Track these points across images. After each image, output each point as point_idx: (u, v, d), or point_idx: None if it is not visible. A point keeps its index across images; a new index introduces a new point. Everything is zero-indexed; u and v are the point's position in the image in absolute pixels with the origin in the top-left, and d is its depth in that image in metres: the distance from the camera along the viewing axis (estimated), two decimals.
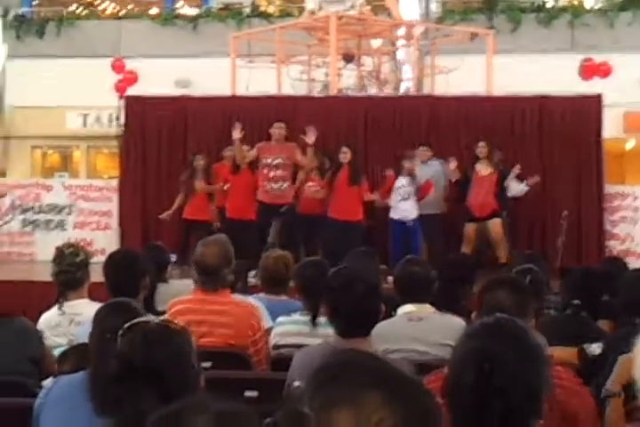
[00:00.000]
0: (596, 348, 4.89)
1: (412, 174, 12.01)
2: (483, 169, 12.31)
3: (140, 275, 5.13)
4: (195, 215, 12.54)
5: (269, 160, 11.88)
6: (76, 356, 3.88)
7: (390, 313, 5.04)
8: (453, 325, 4.99)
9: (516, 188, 12.29)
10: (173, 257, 8.21)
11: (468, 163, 12.57)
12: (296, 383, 4.01)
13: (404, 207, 12.00)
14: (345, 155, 11.96)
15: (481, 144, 12.37)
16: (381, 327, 4.25)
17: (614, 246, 13.30)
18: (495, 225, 12.24)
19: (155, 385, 2.66)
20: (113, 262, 5.28)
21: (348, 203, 11.82)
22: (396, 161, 12.32)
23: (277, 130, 12.04)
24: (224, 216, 12.47)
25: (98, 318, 3.65)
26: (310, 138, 11.74)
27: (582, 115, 13.32)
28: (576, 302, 5.61)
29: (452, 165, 12.34)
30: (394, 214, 12.06)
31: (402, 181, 12.01)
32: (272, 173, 11.86)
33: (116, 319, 3.29)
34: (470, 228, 12.34)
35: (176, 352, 2.79)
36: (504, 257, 12.03)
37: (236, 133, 11.81)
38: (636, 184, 16.17)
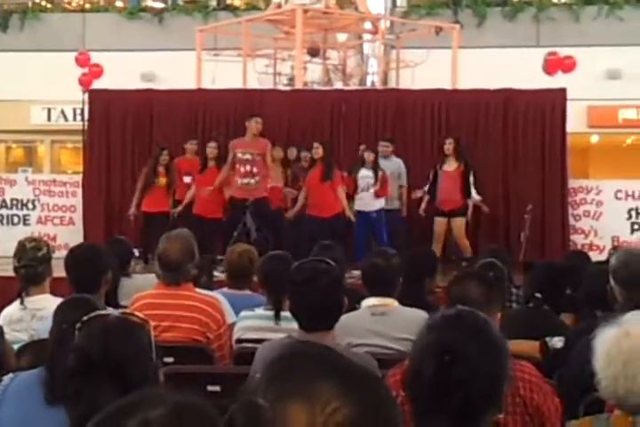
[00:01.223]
0: (557, 341, 4.91)
1: (374, 167, 12.05)
2: (449, 165, 12.35)
3: (102, 269, 5.09)
4: (154, 208, 12.50)
5: (240, 155, 11.87)
6: (34, 351, 3.85)
7: (354, 306, 5.04)
8: (416, 319, 4.98)
9: (473, 195, 12.41)
10: (136, 252, 8.18)
11: (436, 159, 12.61)
12: (257, 376, 4.00)
13: (363, 198, 12.01)
14: (317, 150, 11.93)
15: (448, 141, 12.42)
16: (344, 321, 4.23)
17: (578, 240, 13.38)
18: (458, 223, 12.32)
19: (113, 379, 2.65)
20: (74, 257, 5.23)
21: (320, 199, 11.80)
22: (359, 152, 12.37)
23: (253, 124, 11.97)
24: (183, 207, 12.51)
25: (57, 313, 3.62)
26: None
27: (547, 109, 13.38)
28: (538, 295, 5.63)
29: (419, 193, 12.44)
30: (357, 206, 12.08)
31: (364, 173, 12.03)
32: (243, 169, 11.85)
33: (74, 314, 3.26)
34: (439, 223, 12.39)
35: (135, 345, 2.77)
36: (468, 253, 12.11)
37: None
38: (599, 178, 16.26)
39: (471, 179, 12.33)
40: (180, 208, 12.40)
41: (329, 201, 11.79)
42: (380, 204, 12.08)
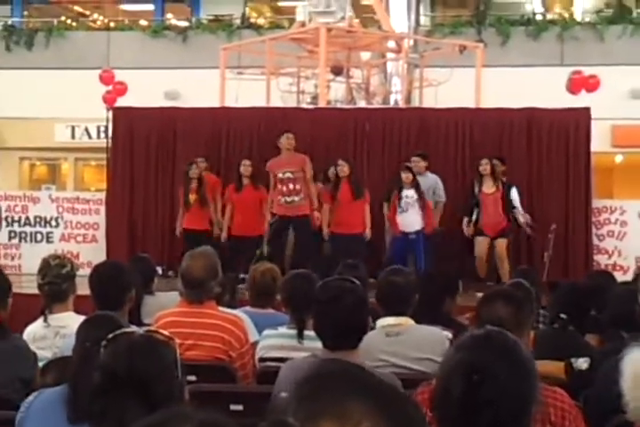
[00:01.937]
0: (582, 362, 4.87)
1: (415, 186, 11.98)
2: (487, 187, 12.21)
3: (126, 287, 5.09)
4: (190, 225, 12.55)
5: (280, 174, 11.93)
6: (57, 369, 3.84)
7: (371, 325, 5.01)
8: (433, 337, 4.96)
9: (518, 217, 12.34)
10: (160, 269, 8.20)
11: (461, 178, 12.57)
12: (282, 395, 3.98)
13: (402, 219, 11.98)
14: (342, 168, 11.95)
15: (483, 161, 12.23)
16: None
17: (601, 261, 13.28)
18: (501, 244, 12.23)
19: (138, 396, 2.63)
20: (98, 274, 5.23)
21: (352, 217, 11.86)
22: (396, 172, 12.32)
23: (287, 140, 12.01)
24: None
25: (80, 331, 3.62)
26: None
27: (571, 128, 13.31)
28: (563, 316, 5.59)
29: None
30: (400, 226, 12.03)
31: (404, 193, 11.98)
32: (285, 188, 11.92)
33: (98, 332, 3.25)
34: (481, 242, 12.25)
35: (160, 363, 2.76)
36: (507, 275, 11.88)
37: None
38: (623, 198, 16.18)
39: (516, 197, 12.23)
40: (224, 233, 12.45)
41: (357, 219, 11.88)
42: (419, 225, 12.02)
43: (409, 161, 12.54)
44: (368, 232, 11.87)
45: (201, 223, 12.58)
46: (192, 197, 12.54)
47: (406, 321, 5.10)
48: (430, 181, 12.56)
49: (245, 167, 12.45)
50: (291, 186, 11.90)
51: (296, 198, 11.90)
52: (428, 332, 5.07)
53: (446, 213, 12.71)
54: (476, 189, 12.29)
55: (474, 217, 12.30)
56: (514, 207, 12.23)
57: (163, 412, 1.60)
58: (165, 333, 2.94)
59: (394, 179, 12.25)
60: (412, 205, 11.94)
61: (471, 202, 12.33)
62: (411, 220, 11.98)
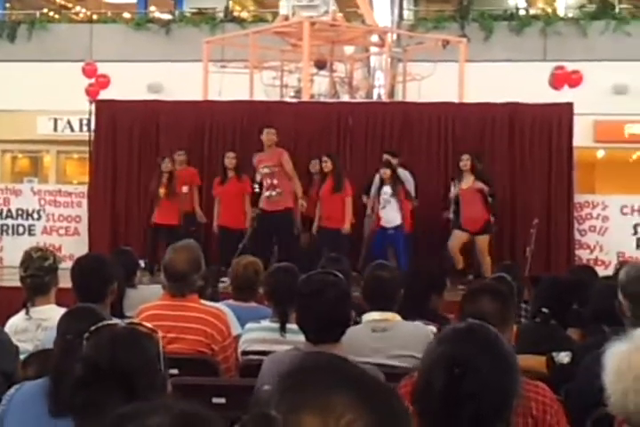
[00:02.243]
0: (564, 356, 4.88)
1: (392, 182, 12.02)
2: (466, 183, 12.22)
3: (108, 279, 5.07)
4: (160, 220, 12.53)
5: (261, 170, 12.05)
6: (39, 362, 3.83)
7: (356, 320, 5.01)
8: (419, 334, 4.95)
9: None
10: (142, 263, 8.18)
11: (442, 173, 12.61)
12: (265, 388, 3.98)
13: (382, 215, 12.01)
14: (326, 164, 12.04)
15: (464, 157, 12.24)
16: (345, 336, 4.15)
17: (583, 255, 13.34)
18: (482, 240, 12.26)
19: (121, 389, 2.62)
20: (80, 267, 5.21)
21: (332, 211, 11.92)
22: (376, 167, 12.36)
23: (267, 135, 12.09)
24: (191, 220, 12.62)
25: (61, 323, 3.61)
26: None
27: (553, 123, 13.35)
28: (545, 310, 5.60)
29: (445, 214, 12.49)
30: (381, 222, 12.09)
31: (385, 190, 12.01)
32: (265, 182, 12.07)
33: (79, 324, 3.24)
34: (457, 236, 12.28)
35: (143, 355, 2.75)
36: (488, 270, 11.92)
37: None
38: (605, 194, 16.23)
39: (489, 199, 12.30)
40: (215, 223, 12.50)
41: (339, 213, 11.94)
42: (398, 220, 12.05)
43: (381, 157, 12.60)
44: (347, 227, 11.92)
45: (170, 218, 12.56)
46: (162, 191, 12.52)
47: (393, 317, 5.09)
48: (405, 177, 12.57)
49: (229, 160, 12.47)
50: (269, 181, 12.02)
51: (273, 193, 12.01)
52: (414, 328, 5.06)
53: (426, 208, 12.70)
54: (455, 186, 12.31)
55: (451, 214, 12.37)
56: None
57: (142, 402, 1.59)
58: (148, 325, 2.93)
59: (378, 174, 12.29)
60: (389, 202, 11.99)
61: (449, 198, 12.38)
62: (390, 216, 12.02)
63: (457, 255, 12.24)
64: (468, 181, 12.19)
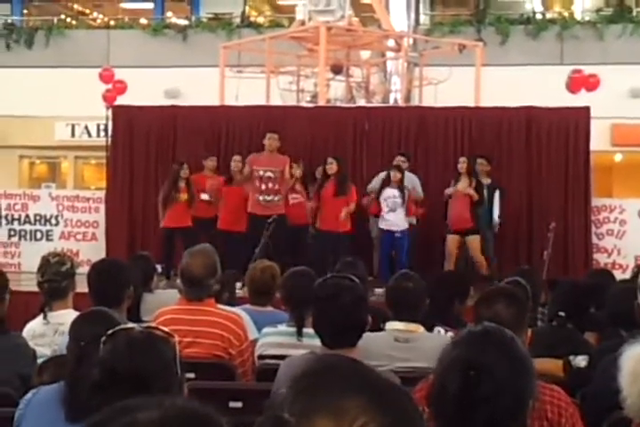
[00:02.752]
0: (581, 360, 4.88)
1: (400, 186, 12.02)
2: (461, 185, 12.26)
3: (124, 284, 5.09)
4: (176, 223, 12.49)
5: (261, 172, 11.99)
6: (55, 366, 3.84)
7: (379, 326, 4.99)
8: (441, 347, 4.92)
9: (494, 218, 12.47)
10: (159, 268, 8.19)
11: (451, 177, 12.63)
12: (281, 392, 3.98)
13: (390, 218, 12.00)
14: (331, 166, 11.99)
15: (461, 159, 12.36)
16: (365, 341, 4.16)
17: (601, 259, 13.29)
18: (473, 242, 12.27)
19: (138, 393, 2.62)
20: (96, 271, 5.24)
21: (334, 214, 11.82)
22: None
23: (269, 141, 12.11)
24: (207, 225, 12.59)
25: (73, 327, 3.61)
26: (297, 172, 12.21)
27: (570, 127, 13.32)
28: (562, 314, 5.59)
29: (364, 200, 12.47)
30: (382, 224, 12.08)
31: (391, 192, 12.00)
32: (263, 186, 11.99)
33: (91, 328, 3.25)
34: (451, 240, 12.34)
35: (160, 359, 2.75)
36: (484, 270, 12.06)
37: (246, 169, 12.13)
38: (622, 197, 16.17)
39: (497, 200, 12.32)
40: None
41: (340, 217, 11.86)
42: (405, 224, 12.06)
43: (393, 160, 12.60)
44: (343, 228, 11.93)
45: (183, 222, 12.50)
46: (182, 196, 12.48)
47: (417, 328, 5.06)
48: (409, 179, 12.56)
49: (236, 163, 12.61)
50: (270, 185, 12.03)
51: (275, 198, 12.04)
52: (437, 341, 5.03)
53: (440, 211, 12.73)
54: (451, 187, 12.34)
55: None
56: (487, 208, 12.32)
57: (138, 398, 1.55)
58: (165, 329, 2.94)
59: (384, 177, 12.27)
60: (398, 204, 11.98)
61: (444, 199, 12.41)
62: (398, 219, 12.00)
63: (453, 262, 12.28)
64: (464, 184, 12.22)
